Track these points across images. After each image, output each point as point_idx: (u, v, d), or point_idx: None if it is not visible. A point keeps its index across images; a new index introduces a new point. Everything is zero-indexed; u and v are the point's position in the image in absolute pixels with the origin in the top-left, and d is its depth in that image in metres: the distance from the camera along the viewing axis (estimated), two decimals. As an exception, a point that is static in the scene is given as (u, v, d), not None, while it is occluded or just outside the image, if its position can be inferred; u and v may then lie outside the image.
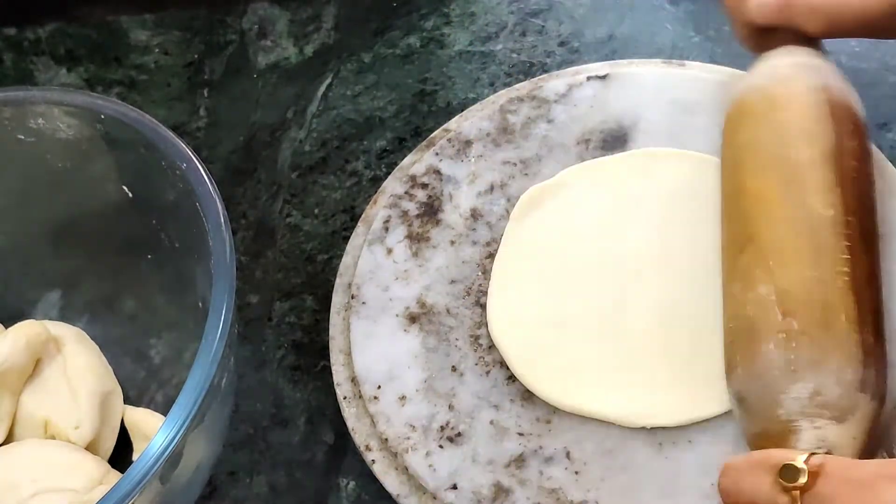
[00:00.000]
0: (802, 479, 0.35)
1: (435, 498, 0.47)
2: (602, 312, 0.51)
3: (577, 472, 0.46)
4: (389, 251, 0.55)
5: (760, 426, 0.41)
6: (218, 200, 0.46)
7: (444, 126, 0.60)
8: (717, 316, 0.47)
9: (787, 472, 0.36)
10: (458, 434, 0.48)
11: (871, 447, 0.40)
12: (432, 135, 0.59)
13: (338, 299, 0.54)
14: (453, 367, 0.50)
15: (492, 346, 0.51)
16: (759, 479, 0.37)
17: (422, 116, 0.64)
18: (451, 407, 0.49)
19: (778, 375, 0.40)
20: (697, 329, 0.48)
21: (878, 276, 0.43)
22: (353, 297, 0.53)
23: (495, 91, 0.62)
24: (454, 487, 0.47)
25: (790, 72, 0.48)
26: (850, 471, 0.36)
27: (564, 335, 0.50)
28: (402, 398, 0.50)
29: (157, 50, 0.71)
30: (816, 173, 0.44)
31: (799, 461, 0.36)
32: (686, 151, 0.55)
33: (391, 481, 0.48)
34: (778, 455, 0.37)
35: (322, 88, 0.67)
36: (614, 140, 0.56)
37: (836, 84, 0.48)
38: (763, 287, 0.42)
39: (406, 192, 0.57)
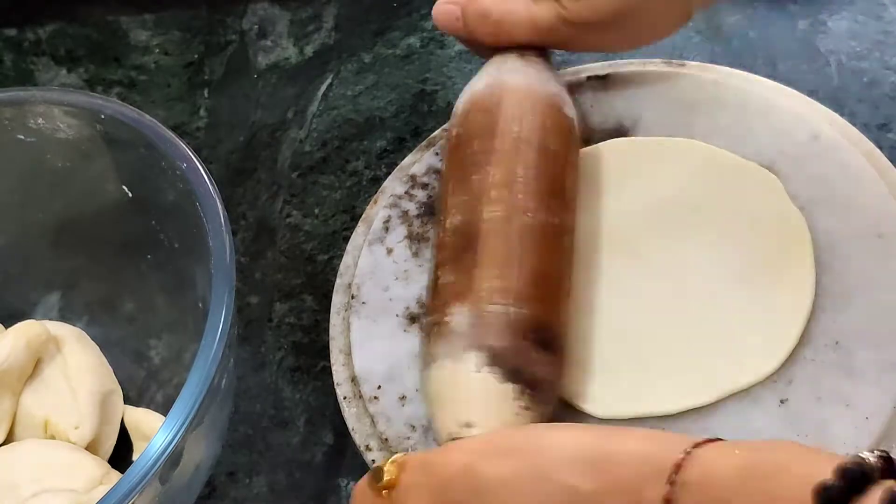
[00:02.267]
0: (387, 477, 0.38)
1: (435, 498, 0.47)
2: (598, 309, 0.51)
3: (576, 473, 0.46)
4: (389, 251, 0.55)
5: None
6: (218, 200, 0.46)
7: (444, 126, 0.60)
8: (710, 308, 0.48)
9: (376, 475, 0.38)
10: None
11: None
12: (432, 135, 0.59)
13: (338, 299, 0.54)
14: (453, 367, 0.50)
15: (492, 347, 0.51)
16: (364, 489, 0.39)
17: (422, 116, 0.64)
18: (451, 407, 0.49)
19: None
20: (686, 320, 0.49)
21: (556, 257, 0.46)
22: (353, 297, 0.53)
23: (495, 91, 0.62)
24: (454, 487, 0.47)
25: (489, 81, 0.50)
26: (423, 457, 0.38)
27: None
28: (402, 398, 0.50)
29: (157, 50, 0.71)
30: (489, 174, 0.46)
31: (386, 463, 0.39)
32: (692, 141, 0.55)
33: (391, 481, 0.48)
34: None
35: (322, 88, 0.67)
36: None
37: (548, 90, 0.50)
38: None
39: (406, 192, 0.57)
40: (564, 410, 0.48)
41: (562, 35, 0.49)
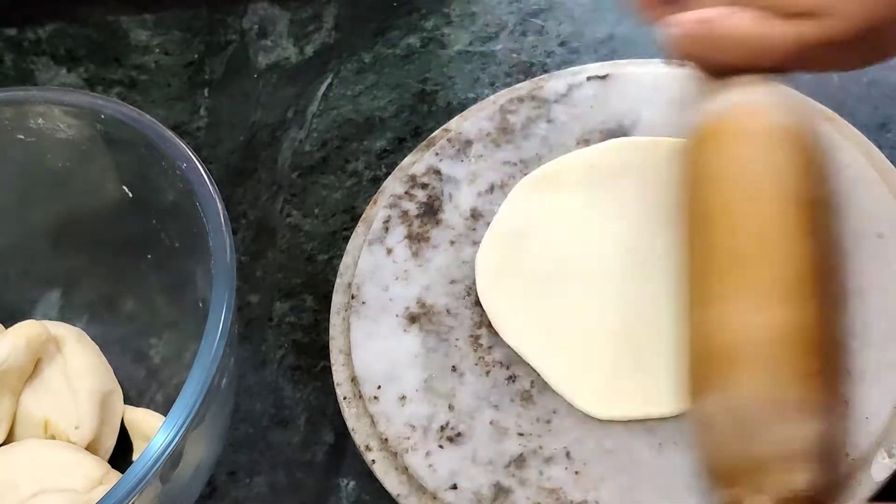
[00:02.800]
0: None
1: (435, 498, 0.47)
2: (597, 309, 0.51)
3: (577, 472, 0.46)
4: (389, 251, 0.55)
5: (728, 458, 0.40)
6: (218, 200, 0.46)
7: (444, 126, 0.60)
8: None
9: None
10: (458, 434, 0.48)
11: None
12: (432, 135, 0.59)
13: (338, 299, 0.54)
14: (453, 367, 0.50)
15: (492, 347, 0.51)
16: None
17: (422, 116, 0.64)
18: (451, 407, 0.49)
19: (761, 412, 0.39)
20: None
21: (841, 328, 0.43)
22: (353, 297, 0.53)
23: (495, 91, 0.62)
24: (454, 487, 0.47)
25: (755, 106, 0.45)
26: None
27: (564, 332, 0.50)
28: (402, 398, 0.50)
29: (157, 50, 0.71)
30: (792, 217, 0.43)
31: None
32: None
33: (391, 481, 0.48)
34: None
35: (322, 88, 0.67)
36: (614, 140, 0.57)
37: (804, 123, 0.46)
38: (753, 316, 0.41)
39: (406, 192, 0.57)
40: (566, 410, 0.48)
41: (819, 54, 0.45)
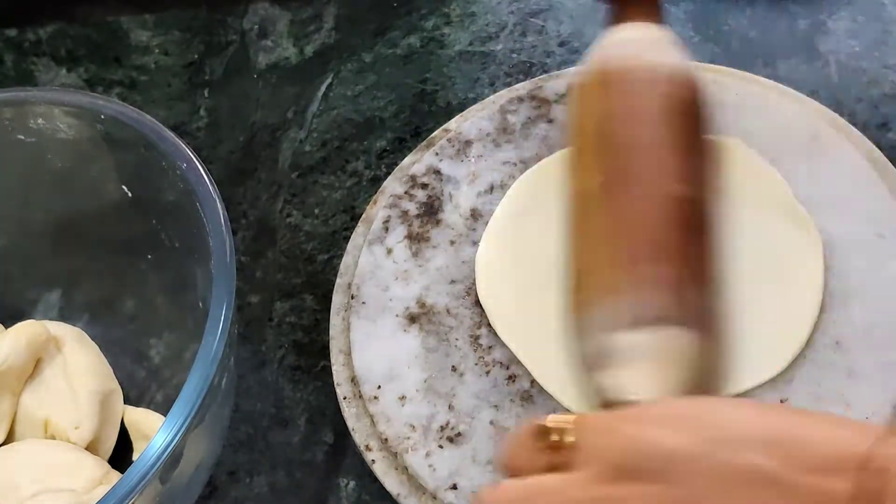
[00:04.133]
0: (565, 439, 0.36)
1: (435, 498, 0.47)
2: None
3: (577, 472, 0.46)
4: (389, 251, 0.55)
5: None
6: (218, 200, 0.46)
7: (444, 126, 0.60)
8: None
9: (541, 430, 0.37)
10: (458, 434, 0.48)
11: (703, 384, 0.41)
12: (432, 135, 0.59)
13: (338, 299, 0.54)
14: (453, 367, 0.50)
15: (492, 347, 0.51)
16: (522, 441, 0.37)
17: (422, 116, 0.64)
18: (451, 407, 0.49)
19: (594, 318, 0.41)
20: None
21: (710, 236, 0.44)
22: (353, 297, 0.53)
23: (495, 91, 0.62)
24: (454, 487, 0.47)
25: (634, 50, 0.47)
26: (605, 421, 0.36)
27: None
28: (402, 398, 0.50)
29: (157, 50, 0.71)
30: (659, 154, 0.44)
31: (557, 419, 0.37)
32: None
33: (391, 481, 0.48)
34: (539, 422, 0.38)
35: (322, 88, 0.67)
36: (614, 140, 0.56)
37: (676, 64, 0.47)
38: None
39: (406, 192, 0.57)
40: (566, 411, 0.48)
41: None
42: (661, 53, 0.46)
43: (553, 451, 0.36)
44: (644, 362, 0.40)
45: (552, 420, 0.37)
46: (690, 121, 0.45)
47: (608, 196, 0.43)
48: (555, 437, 0.36)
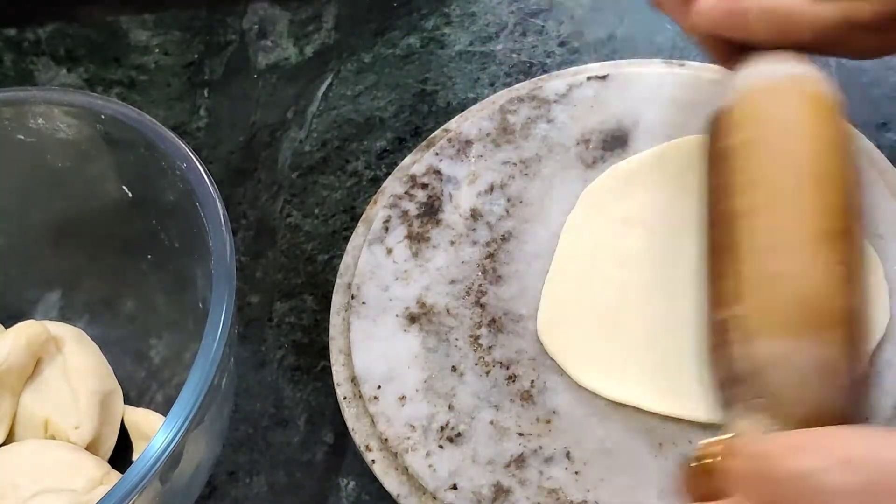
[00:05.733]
0: (706, 461, 0.36)
1: (435, 498, 0.47)
2: (652, 310, 0.50)
3: (577, 472, 0.46)
4: (389, 251, 0.55)
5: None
6: (218, 200, 0.46)
7: (444, 126, 0.60)
8: None
9: (697, 458, 0.37)
10: (458, 434, 0.48)
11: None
12: (432, 135, 0.59)
13: (338, 299, 0.54)
14: (453, 367, 0.50)
15: (492, 347, 0.51)
16: (692, 472, 0.37)
17: (422, 116, 0.64)
18: (451, 407, 0.49)
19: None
20: None
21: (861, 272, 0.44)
22: (353, 297, 0.53)
23: (495, 91, 0.62)
24: (454, 487, 0.47)
25: (784, 79, 0.46)
26: (758, 448, 0.35)
27: (613, 329, 0.50)
28: (402, 398, 0.50)
29: (157, 50, 0.71)
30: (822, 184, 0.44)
31: (702, 445, 0.37)
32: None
33: (391, 481, 0.48)
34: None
35: (322, 88, 0.67)
36: (614, 140, 0.56)
37: (828, 88, 0.47)
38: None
39: (406, 192, 0.57)
40: (566, 411, 0.48)
41: (843, 36, 0.46)
42: (816, 81, 0.46)
43: (708, 476, 0.36)
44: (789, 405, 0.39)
45: (704, 444, 0.37)
46: (845, 137, 0.45)
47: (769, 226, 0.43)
48: (707, 461, 0.36)
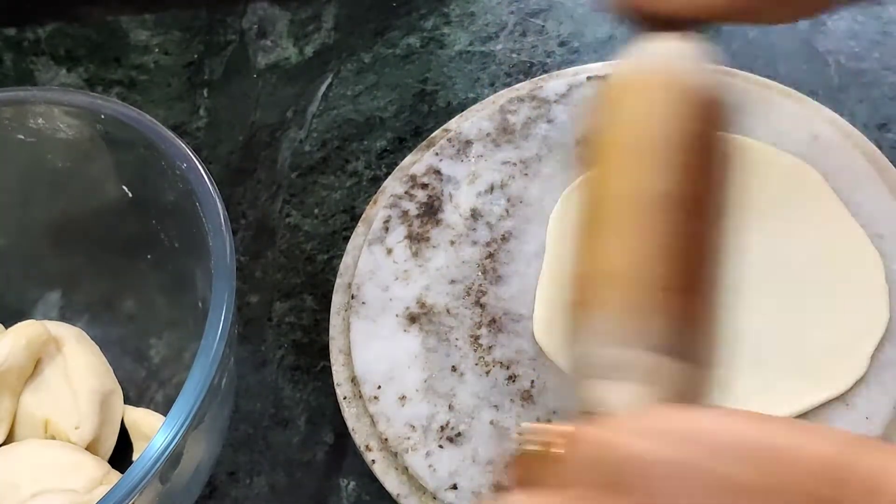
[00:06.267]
0: (557, 451, 0.35)
1: (435, 498, 0.47)
2: None
3: (577, 472, 0.46)
4: (389, 251, 0.55)
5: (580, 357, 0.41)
6: (218, 200, 0.46)
7: (444, 126, 0.60)
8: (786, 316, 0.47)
9: (541, 444, 0.36)
10: (458, 434, 0.48)
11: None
12: (432, 135, 0.59)
13: (338, 299, 0.54)
14: (453, 367, 0.50)
15: (492, 347, 0.51)
16: (524, 460, 0.36)
17: (422, 116, 0.64)
18: (451, 407, 0.49)
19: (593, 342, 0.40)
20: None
21: (711, 246, 0.44)
22: (353, 297, 0.53)
23: (495, 91, 0.62)
24: (454, 487, 0.47)
25: (652, 61, 0.46)
26: (597, 434, 0.35)
27: None
28: (402, 398, 0.50)
29: (157, 50, 0.71)
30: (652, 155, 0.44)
31: (548, 431, 0.36)
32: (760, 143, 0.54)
33: (391, 481, 0.48)
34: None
35: (322, 88, 0.67)
36: (614, 140, 0.56)
37: (694, 71, 0.47)
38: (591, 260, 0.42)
39: (406, 192, 0.57)
40: (567, 411, 0.48)
41: (740, 6, 0.46)
42: (686, 63, 0.46)
43: (538, 463, 0.36)
44: (631, 382, 0.40)
45: (540, 429, 0.37)
46: (706, 125, 0.45)
47: (616, 199, 0.43)
48: (536, 448, 0.36)
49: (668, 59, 0.46)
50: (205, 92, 0.68)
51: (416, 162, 0.58)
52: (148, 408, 0.52)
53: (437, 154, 0.58)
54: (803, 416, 0.46)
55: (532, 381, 0.50)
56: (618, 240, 0.42)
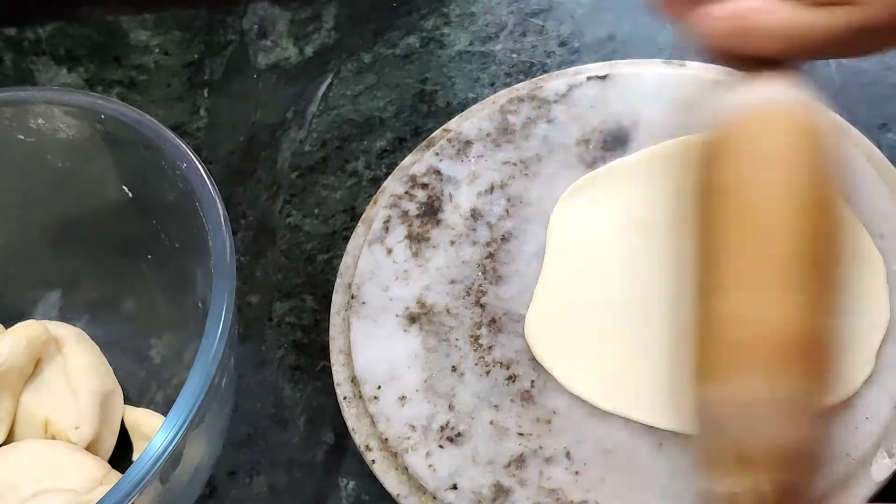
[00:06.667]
0: None
1: (435, 498, 0.47)
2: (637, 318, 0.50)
3: (577, 473, 0.46)
4: (389, 251, 0.55)
5: (719, 447, 0.40)
6: (218, 200, 0.46)
7: (444, 126, 0.60)
8: None
9: None
10: (458, 434, 0.48)
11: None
12: (432, 135, 0.59)
13: (338, 299, 0.54)
14: (453, 367, 0.50)
15: (492, 347, 0.51)
16: None
17: (422, 116, 0.64)
18: (451, 407, 0.49)
19: (761, 408, 0.39)
20: None
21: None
22: (353, 297, 0.53)
23: (495, 91, 0.62)
24: (454, 487, 0.47)
25: (774, 107, 0.44)
26: None
27: (602, 334, 0.50)
28: (402, 398, 0.50)
29: (157, 50, 0.71)
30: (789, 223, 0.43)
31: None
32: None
33: (391, 481, 0.48)
34: None
35: (322, 88, 0.67)
36: (614, 140, 0.56)
37: (822, 120, 0.46)
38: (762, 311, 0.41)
39: (406, 192, 0.57)
40: (566, 411, 0.48)
41: (852, 41, 0.44)
42: (807, 107, 0.45)
43: None
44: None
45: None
46: (824, 177, 0.44)
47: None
48: None
49: (786, 102, 0.44)
50: (205, 92, 0.68)
51: (416, 162, 0.58)
52: (148, 408, 0.52)
53: (437, 154, 0.58)
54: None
55: (532, 381, 0.50)
56: (759, 305, 0.40)
